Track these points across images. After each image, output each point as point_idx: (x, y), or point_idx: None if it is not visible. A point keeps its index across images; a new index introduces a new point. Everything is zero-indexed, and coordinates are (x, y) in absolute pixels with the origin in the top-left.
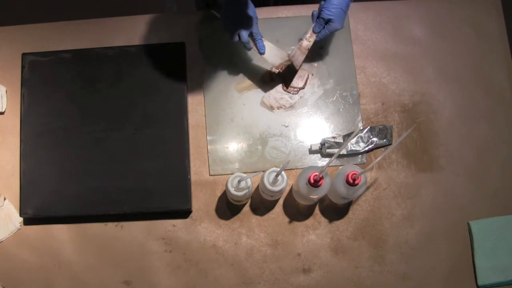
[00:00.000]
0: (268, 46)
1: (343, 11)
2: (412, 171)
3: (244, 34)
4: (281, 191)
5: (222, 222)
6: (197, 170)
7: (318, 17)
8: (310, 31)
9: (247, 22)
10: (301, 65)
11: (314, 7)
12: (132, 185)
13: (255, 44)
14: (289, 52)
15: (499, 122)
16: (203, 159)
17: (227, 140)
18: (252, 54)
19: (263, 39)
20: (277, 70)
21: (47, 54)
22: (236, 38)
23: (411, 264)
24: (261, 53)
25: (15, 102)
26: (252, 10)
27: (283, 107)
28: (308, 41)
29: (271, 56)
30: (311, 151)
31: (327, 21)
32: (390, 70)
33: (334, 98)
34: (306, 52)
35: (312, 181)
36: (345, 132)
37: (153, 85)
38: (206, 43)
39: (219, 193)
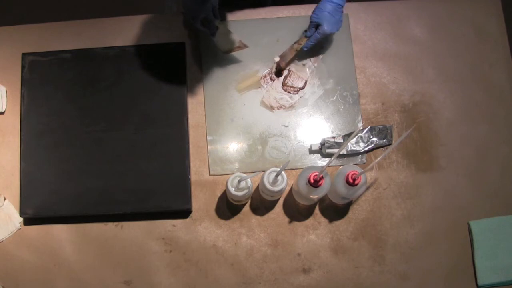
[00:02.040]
0: (223, 29)
1: (330, 15)
2: (412, 171)
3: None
4: (281, 191)
5: (222, 222)
6: (197, 170)
7: (310, 22)
8: (302, 35)
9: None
10: (288, 65)
11: (314, 7)
12: (132, 185)
13: (209, 25)
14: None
15: (499, 122)
16: (203, 159)
17: (227, 140)
18: (252, 54)
19: (219, 20)
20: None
21: (47, 54)
22: (198, 25)
23: (411, 264)
24: (211, 35)
25: (15, 102)
26: None
27: (283, 107)
28: (298, 44)
29: (222, 39)
30: (311, 151)
31: (317, 26)
32: (390, 70)
33: (334, 98)
34: (294, 53)
35: (312, 181)
36: (345, 132)
37: (153, 85)
38: (206, 43)
39: (219, 193)
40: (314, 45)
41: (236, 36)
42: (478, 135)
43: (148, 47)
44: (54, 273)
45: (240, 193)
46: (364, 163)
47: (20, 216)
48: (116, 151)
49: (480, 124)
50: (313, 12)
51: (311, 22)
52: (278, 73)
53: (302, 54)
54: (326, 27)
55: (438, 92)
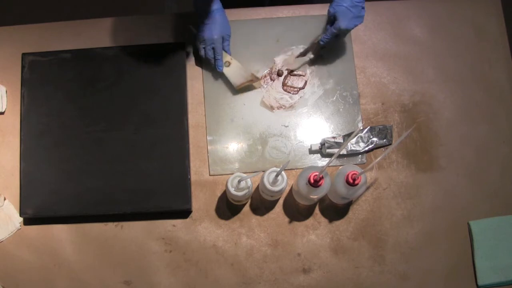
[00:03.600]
0: (235, 65)
1: (348, 9)
2: (412, 171)
3: (208, 51)
4: (281, 191)
5: (222, 222)
6: (197, 170)
7: (328, 15)
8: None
9: (214, 39)
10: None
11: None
12: (132, 185)
13: (215, 61)
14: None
15: (499, 122)
16: (203, 159)
17: (227, 140)
18: (252, 54)
19: (231, 58)
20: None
21: (47, 54)
22: (202, 53)
23: (411, 264)
24: (218, 70)
25: (15, 102)
26: (220, 29)
27: (283, 107)
28: (316, 39)
29: (235, 74)
30: (311, 151)
31: (334, 19)
32: (390, 70)
33: (334, 98)
34: (314, 47)
35: (312, 181)
36: (345, 132)
37: (153, 85)
38: None
39: (219, 193)
40: (333, 40)
41: (248, 70)
42: (478, 135)
43: (148, 47)
44: (54, 273)
45: (240, 193)
46: (364, 163)
47: (20, 216)
48: (116, 151)
49: (480, 124)
50: (330, 4)
51: (328, 15)
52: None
53: (325, 52)
54: (341, 22)
55: (438, 92)
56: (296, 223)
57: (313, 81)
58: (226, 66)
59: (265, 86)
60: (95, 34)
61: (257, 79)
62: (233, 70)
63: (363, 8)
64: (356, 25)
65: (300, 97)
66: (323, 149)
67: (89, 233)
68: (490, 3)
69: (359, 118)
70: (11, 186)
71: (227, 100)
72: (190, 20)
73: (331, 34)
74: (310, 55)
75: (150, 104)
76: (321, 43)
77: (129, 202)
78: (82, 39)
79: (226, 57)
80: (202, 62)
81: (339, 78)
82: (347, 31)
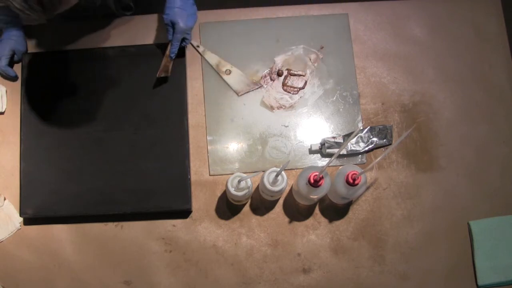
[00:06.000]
0: (236, 72)
1: (181, 10)
2: (412, 171)
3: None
4: (281, 191)
5: (222, 222)
6: (197, 170)
7: (165, 24)
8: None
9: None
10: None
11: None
12: (132, 185)
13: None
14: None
15: (499, 122)
16: (203, 159)
17: (227, 140)
18: (252, 54)
19: (232, 66)
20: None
21: (47, 54)
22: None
23: (411, 264)
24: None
25: (15, 102)
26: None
27: (283, 107)
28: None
29: (237, 82)
30: (311, 151)
31: (173, 25)
32: (390, 70)
33: (334, 98)
34: (170, 60)
35: (312, 181)
36: (345, 132)
37: (153, 85)
38: (206, 43)
39: (219, 193)
40: (179, 47)
41: (248, 78)
42: (478, 135)
43: (148, 47)
44: (54, 273)
45: (240, 193)
46: (364, 163)
47: (20, 216)
48: (116, 151)
49: (480, 124)
50: (164, 12)
51: (165, 24)
52: (164, 79)
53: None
54: (181, 23)
55: (438, 92)
56: (296, 223)
57: (313, 81)
58: (226, 74)
59: (265, 86)
60: (95, 34)
61: (258, 84)
62: (235, 78)
63: (193, 4)
64: (195, 22)
65: (300, 97)
66: (323, 149)
67: (89, 233)
68: (490, 3)
69: (359, 118)
70: (11, 186)
71: (227, 100)
72: None
73: (177, 40)
74: (167, 73)
75: (150, 104)
76: (172, 55)
77: (129, 202)
78: (82, 39)
79: (227, 65)
80: (202, 62)
81: (339, 78)
82: (189, 30)
